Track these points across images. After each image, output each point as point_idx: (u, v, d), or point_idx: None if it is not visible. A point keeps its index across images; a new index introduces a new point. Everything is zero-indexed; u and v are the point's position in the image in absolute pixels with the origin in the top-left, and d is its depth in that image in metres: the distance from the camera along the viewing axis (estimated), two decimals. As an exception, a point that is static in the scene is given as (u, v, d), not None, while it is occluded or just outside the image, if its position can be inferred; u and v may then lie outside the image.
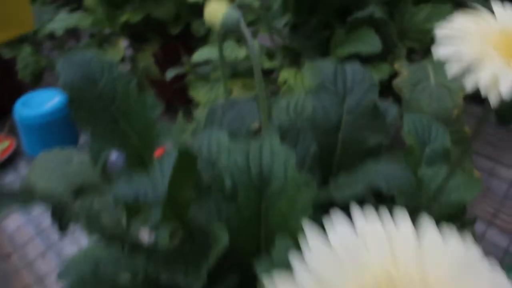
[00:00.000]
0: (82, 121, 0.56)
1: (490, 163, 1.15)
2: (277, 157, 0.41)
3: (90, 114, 0.56)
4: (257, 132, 0.58)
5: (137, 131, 0.58)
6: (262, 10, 0.88)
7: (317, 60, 0.69)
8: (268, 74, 0.95)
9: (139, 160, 0.60)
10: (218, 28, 0.43)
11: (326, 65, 0.53)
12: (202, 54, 0.88)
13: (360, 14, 0.75)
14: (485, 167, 1.14)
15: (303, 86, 0.75)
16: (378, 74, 0.73)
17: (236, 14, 0.42)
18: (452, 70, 0.33)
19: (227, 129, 0.58)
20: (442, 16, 0.82)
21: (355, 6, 0.83)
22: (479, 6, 0.35)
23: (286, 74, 0.78)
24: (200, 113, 0.90)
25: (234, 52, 0.89)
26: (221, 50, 0.61)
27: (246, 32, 0.43)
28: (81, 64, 0.54)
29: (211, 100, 0.91)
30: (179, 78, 1.20)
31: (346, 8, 0.85)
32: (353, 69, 0.53)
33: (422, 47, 0.82)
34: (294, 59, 0.89)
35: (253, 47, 0.43)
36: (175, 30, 1.11)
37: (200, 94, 0.92)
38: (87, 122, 0.56)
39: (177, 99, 1.25)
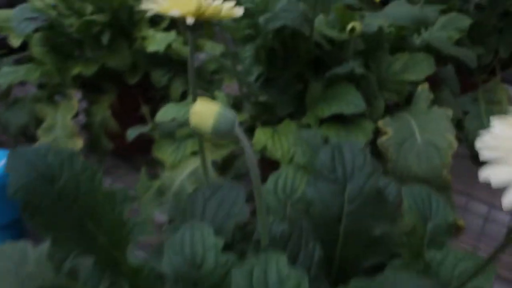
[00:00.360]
0: (40, 227, 0.47)
1: (464, 198, 1.12)
2: (287, 285, 0.34)
3: (49, 218, 0.47)
4: (245, 226, 0.51)
5: (106, 231, 0.50)
6: (230, 61, 0.81)
7: (302, 131, 0.62)
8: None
9: (110, 261, 0.51)
10: (208, 133, 0.35)
11: (322, 151, 0.46)
12: (166, 113, 0.80)
13: (340, 70, 0.70)
14: (459, 202, 1.11)
15: (282, 151, 0.68)
16: (363, 135, 0.67)
17: (230, 116, 0.35)
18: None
19: (211, 223, 0.50)
20: (420, 65, 0.77)
21: (329, 58, 0.78)
22: None
23: (262, 136, 0.71)
24: (167, 177, 0.81)
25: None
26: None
27: (243, 137, 0.36)
28: (35, 162, 0.45)
29: (177, 161, 0.83)
30: (140, 123, 1.11)
31: (319, 59, 0.79)
32: (352, 152, 0.47)
33: (401, 98, 0.77)
34: (267, 114, 0.83)
35: (251, 155, 0.36)
36: (132, 80, 1.02)
37: (166, 154, 0.84)
38: (46, 227, 0.47)
39: (139, 152, 1.16)
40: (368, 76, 0.72)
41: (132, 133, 0.85)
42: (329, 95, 0.71)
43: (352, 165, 0.47)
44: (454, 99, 0.84)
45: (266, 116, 0.85)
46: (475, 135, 0.92)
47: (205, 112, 0.35)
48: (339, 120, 0.71)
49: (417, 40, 0.83)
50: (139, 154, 1.18)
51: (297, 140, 0.59)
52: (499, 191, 0.26)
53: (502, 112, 1.02)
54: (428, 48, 0.81)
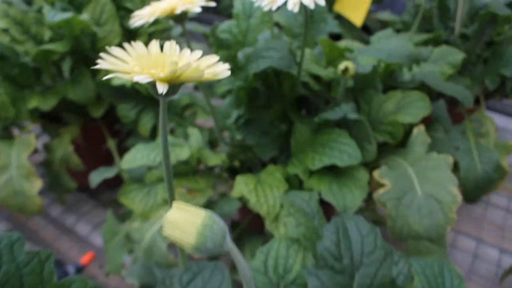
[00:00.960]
0: None
1: (452, 233, 1.05)
2: None
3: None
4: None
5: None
6: (204, 96, 0.72)
7: (293, 195, 0.53)
8: (211, 169, 0.79)
9: None
10: (190, 250, 0.25)
11: (325, 233, 0.37)
12: (134, 159, 0.70)
13: (331, 116, 0.61)
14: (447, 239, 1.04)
15: (268, 207, 0.59)
16: (359, 190, 0.58)
17: (219, 229, 0.25)
18: None
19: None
20: (414, 106, 0.69)
21: (316, 97, 0.69)
22: None
23: (243, 187, 0.61)
24: (136, 229, 0.70)
25: (175, 151, 0.71)
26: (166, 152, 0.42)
27: (236, 253, 0.26)
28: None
29: (147, 210, 0.72)
30: (106, 158, 1.00)
31: (305, 97, 0.70)
32: (359, 233, 0.38)
33: (395, 141, 0.69)
34: (248, 154, 0.73)
35: (246, 273, 0.26)
36: (97, 113, 0.91)
37: (134, 202, 0.74)
38: None
39: (105, 186, 1.04)
40: (361, 120, 0.63)
41: (95, 178, 0.74)
42: (319, 141, 0.62)
43: (360, 250, 0.38)
44: (447, 137, 0.76)
45: (246, 155, 0.76)
46: (466, 172, 0.85)
47: (185, 223, 0.25)
48: (330, 168, 0.62)
49: (407, 75, 0.75)
50: (106, 189, 1.07)
51: (288, 206, 0.50)
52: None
53: (489, 145, 0.96)
54: (420, 85, 0.73)
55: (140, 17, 0.54)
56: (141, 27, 0.95)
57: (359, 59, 0.70)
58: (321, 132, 0.63)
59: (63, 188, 0.94)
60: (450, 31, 1.01)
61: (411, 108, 0.69)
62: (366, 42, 1.12)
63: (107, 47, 0.33)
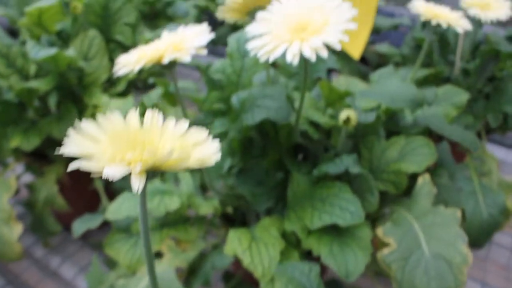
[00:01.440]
0: None
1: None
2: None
3: None
4: None
5: None
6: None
7: (291, 267, 0.47)
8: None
9: None
10: None
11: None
12: (120, 209, 0.64)
13: (331, 169, 0.55)
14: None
15: (263, 268, 0.53)
16: (362, 251, 0.53)
17: None
18: None
19: None
20: (419, 153, 0.64)
21: (314, 145, 0.64)
22: None
23: (237, 246, 0.56)
24: (121, 285, 0.64)
25: (164, 200, 0.66)
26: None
27: None
28: None
29: (134, 262, 0.66)
30: (93, 198, 0.94)
31: (300, 144, 0.65)
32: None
33: (399, 191, 0.64)
34: (243, 205, 0.68)
35: None
36: (84, 151, 0.85)
37: (121, 253, 0.68)
38: None
39: (92, 230, 0.98)
40: (363, 174, 0.58)
41: (79, 227, 0.68)
42: (318, 195, 0.57)
43: None
44: (452, 182, 0.71)
45: (240, 203, 0.70)
46: (472, 216, 0.80)
47: None
48: (330, 225, 0.57)
49: (409, 117, 0.70)
50: (94, 229, 1.01)
51: (286, 282, 0.44)
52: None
53: (493, 184, 0.91)
54: (423, 129, 0.68)
55: (125, 65, 0.49)
56: (131, 61, 0.90)
57: (359, 101, 0.65)
58: (320, 185, 0.58)
59: (46, 231, 0.88)
60: (450, 65, 0.97)
61: (415, 156, 0.64)
62: (364, 76, 1.07)
63: (69, 130, 0.28)
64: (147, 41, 0.83)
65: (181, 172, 0.75)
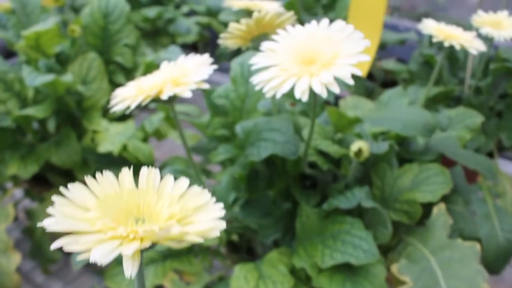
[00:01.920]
0: None
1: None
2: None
3: None
4: None
5: None
6: (193, 169, 0.63)
7: None
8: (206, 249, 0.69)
9: None
10: None
11: None
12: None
13: (342, 204, 0.52)
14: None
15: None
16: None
17: None
18: None
19: None
20: (433, 181, 0.61)
21: (323, 174, 0.61)
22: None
23: (242, 283, 0.52)
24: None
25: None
26: None
27: None
28: None
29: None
30: None
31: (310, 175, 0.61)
32: None
33: (412, 221, 0.60)
34: (248, 236, 0.64)
35: None
36: (83, 176, 0.81)
37: (122, 286, 0.64)
38: None
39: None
40: (377, 207, 0.54)
41: (77, 263, 0.65)
42: (328, 231, 0.53)
43: None
44: (467, 210, 0.68)
45: (245, 232, 0.67)
46: (488, 241, 0.76)
47: None
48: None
49: (420, 141, 0.66)
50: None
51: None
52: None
53: (508, 206, 0.87)
54: (437, 154, 0.64)
55: (122, 100, 0.45)
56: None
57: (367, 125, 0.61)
58: (331, 220, 0.54)
59: (46, 258, 0.84)
60: (460, 82, 0.93)
61: (430, 185, 0.61)
62: (371, 93, 1.04)
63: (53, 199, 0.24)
64: (147, 65, 0.80)
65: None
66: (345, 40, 0.42)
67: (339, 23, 0.44)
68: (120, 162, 0.78)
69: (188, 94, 0.42)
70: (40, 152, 0.79)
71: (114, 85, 0.87)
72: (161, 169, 0.77)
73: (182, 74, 0.45)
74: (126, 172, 0.26)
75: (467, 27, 0.89)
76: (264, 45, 0.45)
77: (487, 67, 0.89)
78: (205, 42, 1.39)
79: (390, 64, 1.03)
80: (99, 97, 0.81)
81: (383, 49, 1.13)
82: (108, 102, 0.83)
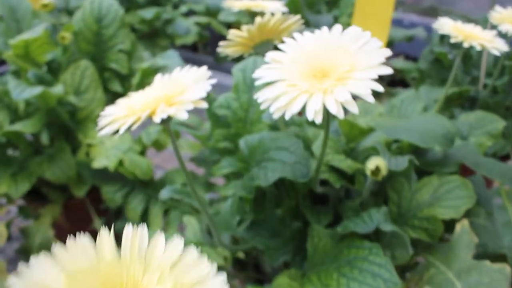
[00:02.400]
0: None
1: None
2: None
3: None
4: None
5: None
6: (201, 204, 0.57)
7: None
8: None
9: None
10: None
11: None
12: None
13: (359, 228, 0.46)
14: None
15: None
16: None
17: None
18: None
19: None
20: (455, 195, 0.55)
21: (335, 192, 0.55)
22: None
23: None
24: None
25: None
26: None
27: None
28: None
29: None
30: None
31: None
32: None
33: (433, 239, 0.54)
34: (255, 258, 0.59)
35: None
36: (79, 192, 0.76)
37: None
38: None
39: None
40: (396, 230, 0.48)
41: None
42: (344, 257, 0.48)
43: None
44: (491, 222, 0.62)
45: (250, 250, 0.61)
46: (510, 251, 0.70)
47: None
48: None
49: (438, 149, 0.60)
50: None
51: None
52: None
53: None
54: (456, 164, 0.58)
55: (112, 121, 0.40)
56: (127, 92, 0.81)
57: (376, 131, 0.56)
58: (347, 244, 0.49)
59: (43, 278, 0.79)
60: (473, 81, 0.87)
61: (451, 199, 0.55)
62: (378, 93, 0.97)
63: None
64: (144, 71, 0.74)
65: (186, 217, 0.66)
66: (362, 50, 0.36)
67: (353, 29, 0.38)
68: (117, 177, 0.72)
69: (183, 116, 0.36)
70: (32, 168, 0.74)
71: (110, 93, 0.82)
72: (160, 186, 0.72)
73: (177, 91, 0.39)
74: (106, 238, 0.21)
75: (476, 21, 0.83)
76: (269, 55, 0.39)
77: (503, 65, 0.83)
78: (205, 42, 1.33)
79: (399, 62, 0.97)
80: (93, 107, 0.75)
81: (390, 47, 1.07)
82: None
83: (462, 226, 0.54)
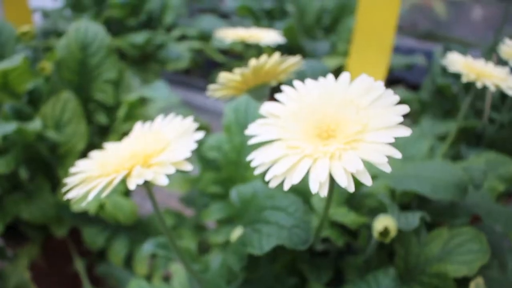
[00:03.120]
0: None
1: None
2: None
3: None
4: None
5: None
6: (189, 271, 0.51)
7: None
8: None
9: None
10: None
11: None
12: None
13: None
14: None
15: None
16: None
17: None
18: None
19: None
20: (466, 248, 0.49)
21: (334, 247, 0.48)
22: None
23: None
24: None
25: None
26: None
27: None
28: None
29: None
30: (73, 283, 0.78)
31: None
32: None
33: (445, 300, 0.48)
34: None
35: None
36: (59, 232, 0.69)
37: None
38: None
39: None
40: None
41: None
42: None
43: None
44: (504, 274, 0.55)
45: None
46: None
47: None
48: None
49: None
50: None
51: None
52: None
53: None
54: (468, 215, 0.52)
55: (82, 182, 0.33)
56: (113, 124, 0.74)
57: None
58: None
59: (18, 324, 0.72)
60: (477, 114, 0.81)
61: (463, 254, 0.49)
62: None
63: None
64: (130, 104, 0.68)
65: (173, 265, 0.59)
66: (375, 105, 0.30)
67: (364, 79, 0.32)
68: (99, 219, 0.66)
69: (163, 182, 0.30)
70: (8, 207, 0.67)
71: (94, 126, 0.75)
72: (146, 228, 0.65)
73: (158, 148, 0.32)
74: None
75: (475, 46, 0.77)
76: (265, 109, 0.33)
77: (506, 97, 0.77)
78: (198, 68, 1.27)
79: (399, 93, 0.91)
80: (74, 142, 0.68)
81: (389, 74, 1.01)
82: (86, 147, 0.71)
83: (477, 285, 0.48)
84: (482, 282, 0.49)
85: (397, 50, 1.31)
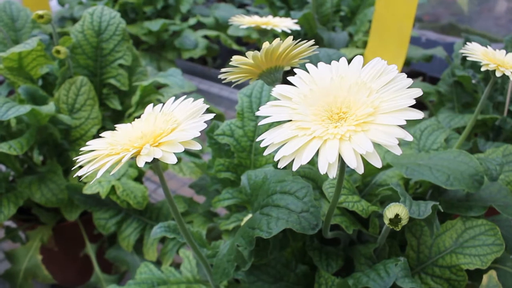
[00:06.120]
0: None
1: None
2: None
3: None
4: None
5: None
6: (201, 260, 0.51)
7: None
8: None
9: None
10: None
11: None
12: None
13: (374, 285, 0.40)
14: None
15: None
16: None
17: None
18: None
19: None
20: (480, 240, 0.48)
21: (347, 235, 0.48)
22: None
23: None
24: None
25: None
26: None
27: None
28: None
29: None
30: (84, 266, 0.79)
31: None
32: None
33: (456, 292, 0.47)
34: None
35: None
36: (71, 216, 0.70)
37: None
38: None
39: None
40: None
41: None
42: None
43: None
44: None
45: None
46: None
47: None
48: None
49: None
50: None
51: None
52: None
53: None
54: (483, 208, 0.52)
55: (91, 160, 0.34)
56: (126, 110, 0.75)
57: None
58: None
59: (29, 306, 0.74)
60: (497, 107, 0.80)
61: (477, 247, 0.48)
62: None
63: None
64: (144, 89, 0.69)
65: (182, 250, 0.60)
66: (387, 88, 0.30)
67: (377, 62, 0.32)
68: (111, 203, 0.67)
69: (172, 160, 0.30)
70: (21, 190, 0.68)
71: (108, 110, 0.76)
72: (157, 213, 0.66)
73: (167, 128, 0.33)
74: None
75: (499, 41, 0.76)
76: (277, 90, 0.33)
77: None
78: (214, 55, 1.27)
79: (417, 84, 0.90)
80: (88, 126, 0.69)
81: (407, 66, 1.01)
82: (99, 131, 0.72)
83: (489, 279, 0.47)
84: (495, 277, 0.48)
85: (417, 42, 1.29)
